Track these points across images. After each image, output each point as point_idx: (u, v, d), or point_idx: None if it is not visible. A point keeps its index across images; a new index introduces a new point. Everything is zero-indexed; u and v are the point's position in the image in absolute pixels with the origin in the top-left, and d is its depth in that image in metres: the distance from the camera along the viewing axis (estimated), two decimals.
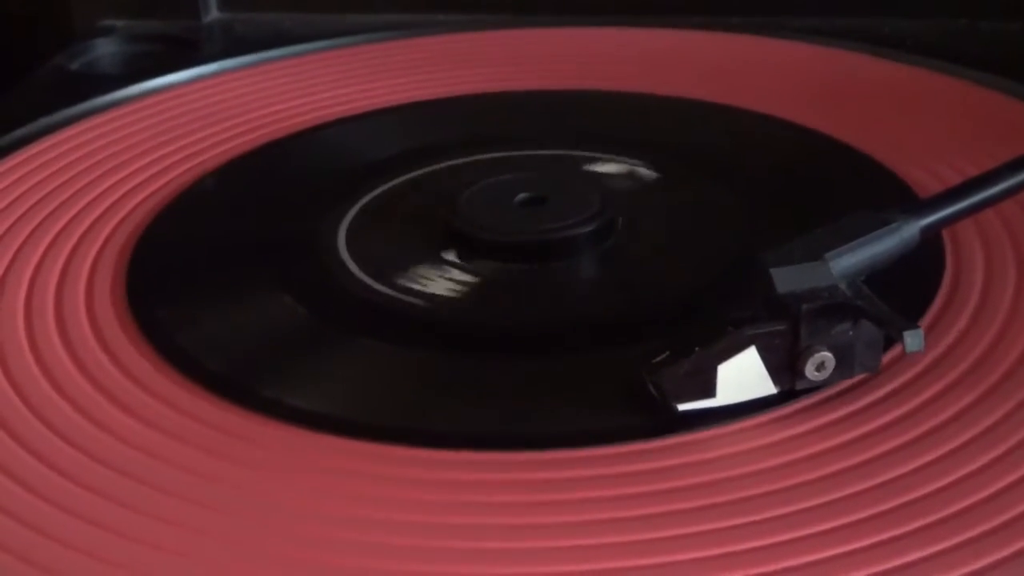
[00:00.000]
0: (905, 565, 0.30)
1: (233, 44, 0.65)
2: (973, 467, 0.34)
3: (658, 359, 0.36)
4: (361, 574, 0.31)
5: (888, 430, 0.35)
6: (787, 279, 0.36)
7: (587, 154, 0.52)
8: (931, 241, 0.42)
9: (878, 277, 0.37)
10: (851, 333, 0.35)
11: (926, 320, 0.40)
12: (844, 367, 0.36)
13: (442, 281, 0.44)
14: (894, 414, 0.36)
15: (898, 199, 0.45)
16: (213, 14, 0.69)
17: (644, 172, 0.51)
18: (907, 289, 0.40)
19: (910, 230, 0.38)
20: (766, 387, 0.36)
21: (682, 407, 0.35)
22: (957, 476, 0.33)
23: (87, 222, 0.48)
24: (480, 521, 0.33)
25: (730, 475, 0.34)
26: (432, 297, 0.43)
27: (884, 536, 0.31)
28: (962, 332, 0.39)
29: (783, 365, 0.35)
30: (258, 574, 0.31)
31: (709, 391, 0.35)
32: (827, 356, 0.35)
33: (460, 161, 0.52)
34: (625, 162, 0.51)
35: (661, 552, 0.31)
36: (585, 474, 0.34)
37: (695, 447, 0.35)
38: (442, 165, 0.52)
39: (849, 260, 0.36)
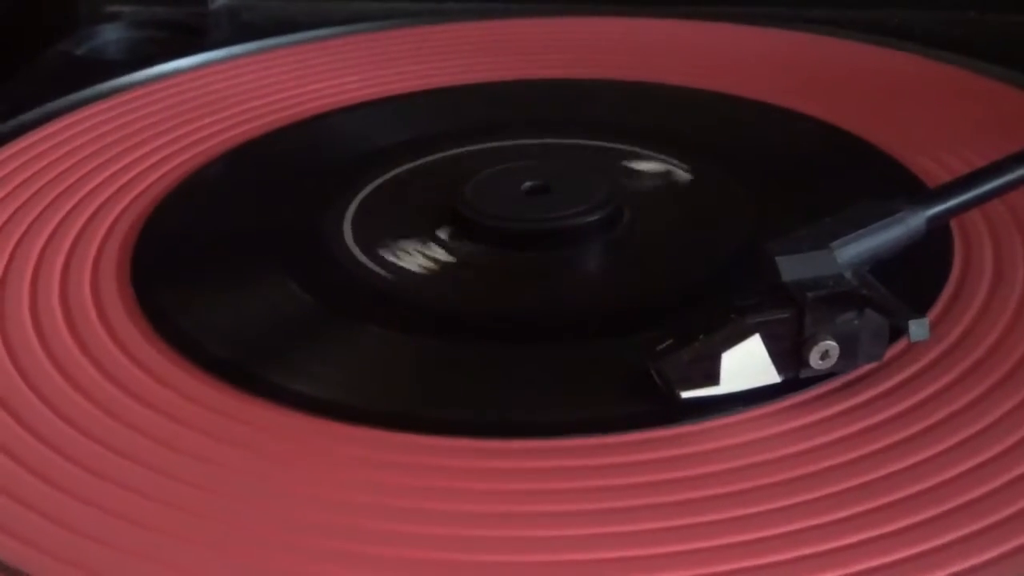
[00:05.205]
0: (895, 562, 0.30)
1: (239, 31, 0.65)
2: (969, 465, 0.33)
3: (662, 346, 0.36)
4: (362, 560, 0.31)
5: (888, 425, 0.35)
6: (792, 267, 0.35)
7: (594, 143, 0.52)
8: (939, 233, 0.42)
9: (886, 268, 0.37)
10: (856, 322, 0.35)
11: (934, 313, 0.40)
12: (848, 356, 0.36)
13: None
14: (896, 409, 0.36)
15: (905, 189, 0.45)
16: (219, 0, 0.69)
17: (650, 162, 0.51)
18: (915, 281, 0.40)
19: (916, 220, 0.38)
20: (770, 375, 0.36)
21: (685, 395, 0.35)
22: (953, 474, 0.33)
23: (92, 208, 0.48)
24: (481, 509, 0.33)
25: (727, 467, 0.34)
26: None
27: (874, 533, 0.31)
28: (968, 326, 0.39)
29: (787, 354, 0.35)
30: (258, 558, 0.31)
31: (713, 379, 0.35)
32: (831, 345, 0.35)
33: (466, 149, 0.52)
34: (631, 152, 0.51)
35: (657, 543, 0.31)
36: (586, 463, 0.34)
37: (694, 438, 0.35)
38: (448, 153, 0.52)
39: (855, 249, 0.36)
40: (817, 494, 0.33)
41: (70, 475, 0.34)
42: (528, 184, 0.46)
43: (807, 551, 0.31)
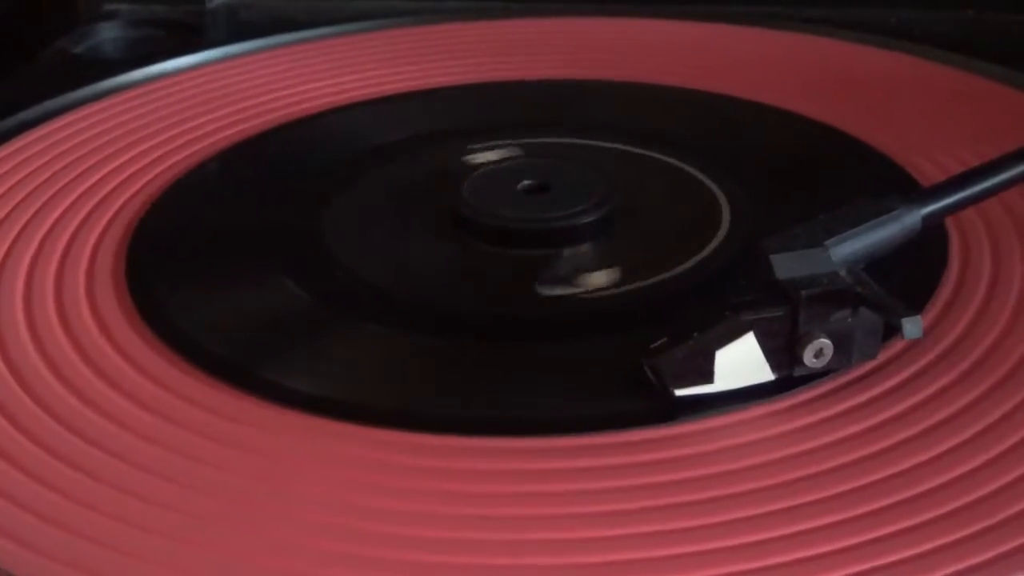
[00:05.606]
0: (894, 563, 0.30)
1: (237, 30, 0.65)
2: (969, 466, 0.33)
3: (656, 344, 0.36)
4: (362, 562, 0.31)
5: (887, 427, 0.35)
6: (787, 265, 0.35)
7: (591, 143, 0.52)
8: (936, 232, 0.42)
9: (884, 267, 0.37)
10: (850, 320, 0.35)
11: (932, 313, 0.40)
12: (843, 354, 0.36)
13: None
14: (895, 410, 0.36)
15: (901, 188, 0.45)
16: None
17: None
18: (913, 280, 0.40)
19: (912, 218, 0.38)
20: (764, 373, 0.36)
21: (680, 392, 0.35)
22: (951, 476, 0.33)
23: (88, 206, 0.48)
24: (479, 511, 0.33)
25: (726, 469, 0.34)
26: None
27: (874, 534, 0.31)
28: (966, 327, 0.39)
29: (781, 351, 0.35)
30: (258, 560, 0.31)
31: (707, 376, 0.35)
32: (825, 343, 0.35)
33: (464, 148, 0.52)
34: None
35: (656, 545, 0.31)
36: (586, 464, 0.34)
37: (693, 439, 0.35)
38: (446, 152, 0.52)
39: (850, 247, 0.36)
40: (817, 496, 0.33)
41: (67, 478, 0.34)
42: (525, 183, 0.46)
43: (806, 553, 0.31)
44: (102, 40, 0.65)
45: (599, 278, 0.42)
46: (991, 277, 0.42)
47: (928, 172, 0.48)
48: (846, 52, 0.60)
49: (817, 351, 0.35)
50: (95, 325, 0.41)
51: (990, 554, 0.30)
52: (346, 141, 0.54)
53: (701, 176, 0.49)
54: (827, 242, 0.36)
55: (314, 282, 0.43)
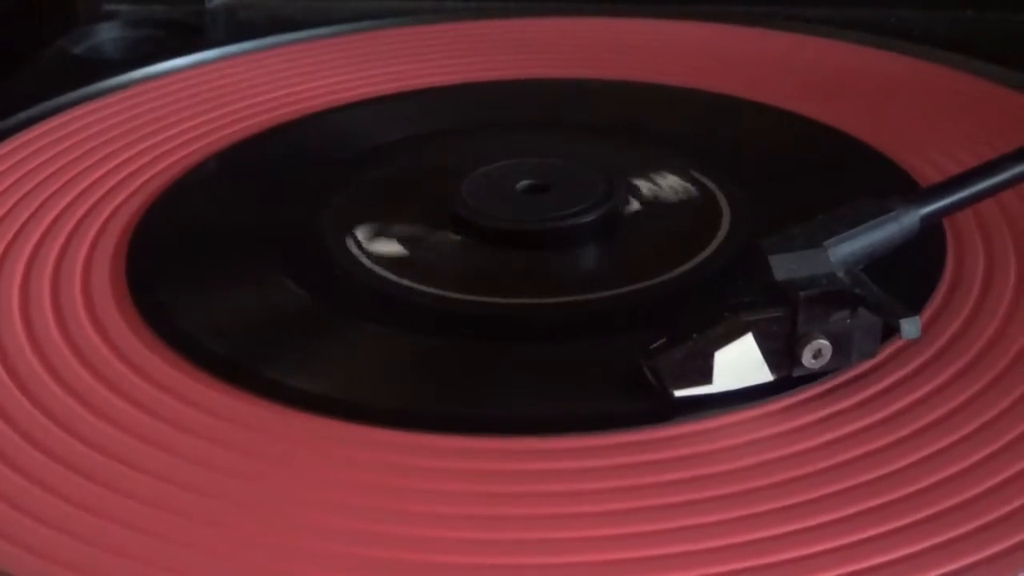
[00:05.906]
0: (890, 562, 0.30)
1: (236, 30, 0.65)
2: (963, 465, 0.33)
3: (655, 345, 0.36)
4: (358, 561, 0.31)
5: (882, 427, 0.35)
6: (786, 266, 0.35)
7: (591, 143, 0.52)
8: (932, 233, 0.42)
9: (880, 267, 0.37)
10: (849, 321, 0.35)
11: (927, 314, 0.40)
12: (841, 355, 0.36)
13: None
14: (890, 411, 0.36)
15: (900, 189, 0.45)
16: None
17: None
18: (909, 281, 0.40)
19: (910, 218, 0.38)
20: (763, 374, 0.36)
21: (679, 393, 0.35)
22: (945, 475, 0.33)
23: (86, 206, 0.48)
24: (480, 511, 0.33)
25: (722, 469, 0.34)
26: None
27: (869, 533, 0.31)
28: (961, 328, 0.39)
29: (780, 352, 0.35)
30: (254, 560, 0.31)
31: (706, 377, 0.35)
32: (824, 344, 0.35)
33: (463, 148, 0.52)
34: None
35: (652, 545, 0.31)
36: (584, 465, 0.34)
37: (688, 440, 0.35)
38: (445, 152, 0.52)
39: (848, 247, 0.36)
40: (812, 495, 0.33)
41: (66, 480, 0.34)
42: (525, 183, 0.46)
43: (802, 552, 0.31)
44: (102, 40, 0.65)
45: (384, 246, 0.43)
46: (985, 277, 0.42)
47: (927, 173, 0.48)
48: (846, 52, 0.60)
49: (816, 352, 0.35)
50: (92, 325, 0.41)
51: (985, 553, 0.30)
52: (346, 141, 0.54)
53: (701, 176, 0.49)
54: (826, 243, 0.36)
55: (314, 282, 0.43)
